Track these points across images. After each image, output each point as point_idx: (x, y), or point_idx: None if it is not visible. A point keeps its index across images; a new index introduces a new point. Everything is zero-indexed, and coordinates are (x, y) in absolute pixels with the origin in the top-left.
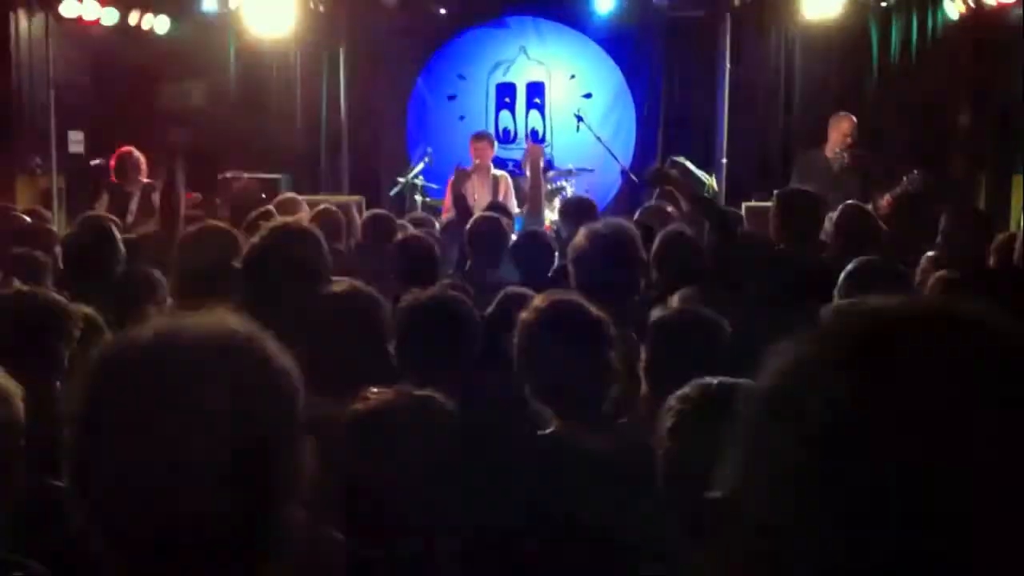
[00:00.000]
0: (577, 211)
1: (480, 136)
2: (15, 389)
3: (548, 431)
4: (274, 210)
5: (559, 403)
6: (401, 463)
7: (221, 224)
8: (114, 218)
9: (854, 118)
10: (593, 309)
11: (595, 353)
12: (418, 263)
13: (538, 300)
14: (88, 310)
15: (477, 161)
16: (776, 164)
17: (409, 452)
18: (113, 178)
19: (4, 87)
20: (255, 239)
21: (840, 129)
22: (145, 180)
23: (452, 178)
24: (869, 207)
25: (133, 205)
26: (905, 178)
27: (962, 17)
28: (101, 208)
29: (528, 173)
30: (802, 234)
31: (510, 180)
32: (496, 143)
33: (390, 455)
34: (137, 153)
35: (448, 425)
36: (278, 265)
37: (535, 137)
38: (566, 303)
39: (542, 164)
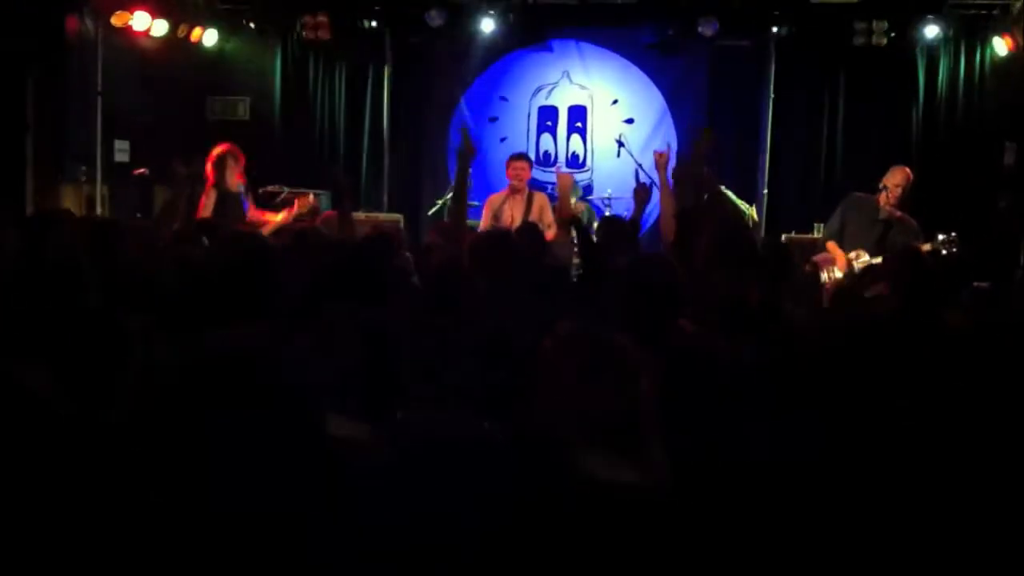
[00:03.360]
0: (618, 233)
1: (517, 156)
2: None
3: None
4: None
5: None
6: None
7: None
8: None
9: (909, 172)
10: (616, 337)
11: (617, 382)
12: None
13: (559, 327)
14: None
15: (514, 182)
16: (817, 196)
17: (456, 481)
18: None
19: (53, 95)
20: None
21: (892, 180)
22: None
23: (488, 198)
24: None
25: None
26: (941, 237)
27: (1010, 53)
28: (208, 211)
29: (558, 201)
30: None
31: (546, 199)
32: (532, 164)
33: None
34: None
35: (495, 452)
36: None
37: (574, 162)
38: (585, 330)
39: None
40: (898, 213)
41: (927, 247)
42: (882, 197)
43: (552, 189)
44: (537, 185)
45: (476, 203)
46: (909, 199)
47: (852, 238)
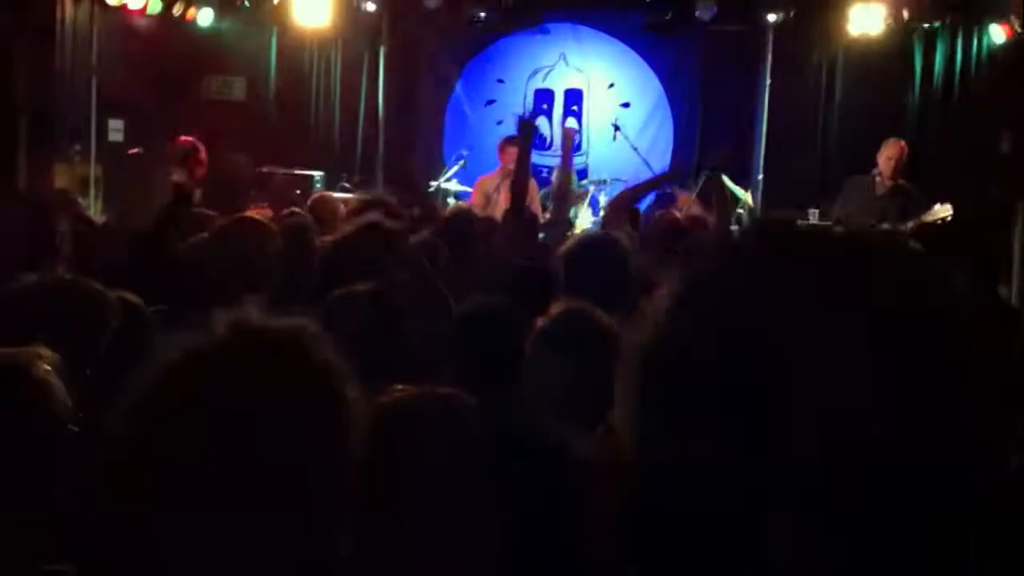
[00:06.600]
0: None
1: (511, 140)
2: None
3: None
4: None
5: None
6: (426, 460)
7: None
8: None
9: (903, 143)
10: (604, 317)
11: (603, 363)
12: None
13: (553, 308)
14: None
15: (510, 166)
16: (813, 182)
17: (435, 449)
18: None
19: (47, 73)
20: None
21: (884, 154)
22: None
23: (478, 180)
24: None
25: None
26: (935, 207)
27: (1007, 41)
28: None
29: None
30: None
31: (534, 183)
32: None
33: (415, 451)
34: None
35: (473, 425)
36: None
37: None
38: (577, 311)
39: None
40: (898, 181)
41: (920, 220)
42: (878, 172)
43: (547, 173)
44: (533, 168)
45: (470, 189)
46: (907, 170)
47: (854, 219)
